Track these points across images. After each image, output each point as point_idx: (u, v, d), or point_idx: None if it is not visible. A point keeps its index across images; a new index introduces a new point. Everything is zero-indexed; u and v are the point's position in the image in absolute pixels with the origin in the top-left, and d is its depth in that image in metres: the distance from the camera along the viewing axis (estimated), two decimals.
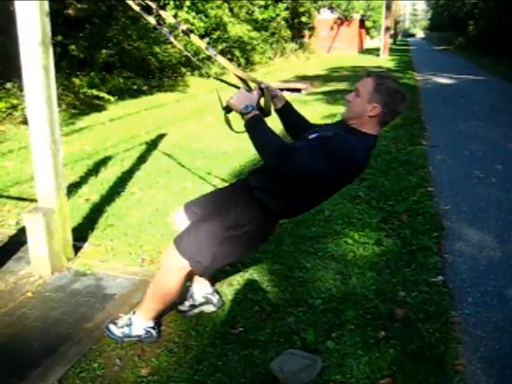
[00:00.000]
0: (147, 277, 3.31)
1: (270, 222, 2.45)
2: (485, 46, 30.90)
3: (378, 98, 2.21)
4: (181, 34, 13.67)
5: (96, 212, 4.44)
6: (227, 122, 2.39)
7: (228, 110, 2.33)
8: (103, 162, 5.98)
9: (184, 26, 2.72)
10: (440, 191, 5.26)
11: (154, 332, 2.59)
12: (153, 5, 2.86)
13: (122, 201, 4.75)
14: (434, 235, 4.08)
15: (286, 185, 2.30)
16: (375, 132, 2.30)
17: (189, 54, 3.29)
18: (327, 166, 2.09)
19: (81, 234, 3.95)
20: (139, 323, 2.57)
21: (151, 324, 2.58)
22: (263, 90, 2.36)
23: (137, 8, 2.85)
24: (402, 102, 2.26)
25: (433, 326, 2.81)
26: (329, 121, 8.86)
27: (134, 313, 2.63)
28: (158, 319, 2.68)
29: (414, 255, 3.70)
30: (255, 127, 2.17)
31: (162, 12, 2.83)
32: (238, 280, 3.29)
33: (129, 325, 2.58)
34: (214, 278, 3.08)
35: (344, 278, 3.33)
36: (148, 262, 3.58)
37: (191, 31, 2.68)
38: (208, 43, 14.56)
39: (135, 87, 11.37)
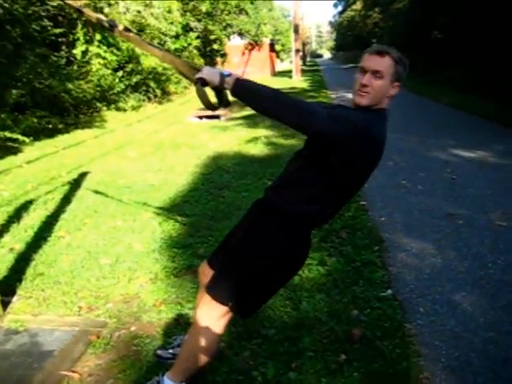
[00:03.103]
0: (87, 326, 3.10)
1: (302, 236, 2.18)
2: None
3: (399, 76, 2.08)
4: (94, 68, 13.41)
5: (23, 261, 4.13)
6: (201, 93, 2.02)
7: (202, 81, 2.00)
8: (25, 207, 5.63)
9: (120, 27, 2.32)
10: (373, 204, 5.33)
11: None
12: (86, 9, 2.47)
13: (50, 246, 4.46)
14: (375, 249, 4.11)
15: (315, 176, 2.07)
16: (386, 106, 2.14)
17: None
18: (347, 127, 1.90)
19: (8, 287, 3.65)
20: None
21: None
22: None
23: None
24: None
25: (391, 341, 2.79)
26: (252, 145, 8.91)
27: (163, 374, 2.30)
28: (191, 380, 2.31)
29: (359, 271, 3.69)
30: (249, 86, 1.95)
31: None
32: (183, 318, 3.14)
33: None
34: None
35: (294, 304, 3.26)
36: (86, 310, 3.35)
37: (129, 30, 2.34)
38: (122, 76, 14.37)
39: (50, 126, 10.90)
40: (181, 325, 3.08)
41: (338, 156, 1.98)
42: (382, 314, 3.09)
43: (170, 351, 2.69)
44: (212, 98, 2.06)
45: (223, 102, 2.13)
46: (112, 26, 2.23)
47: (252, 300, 2.21)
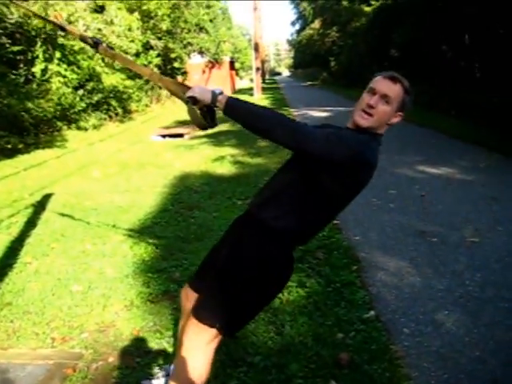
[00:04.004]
0: (62, 358, 2.95)
1: (287, 252, 2.12)
2: (348, 78, 33.03)
3: (404, 106, 2.07)
4: (54, 87, 13.12)
5: None
6: (193, 113, 1.98)
7: (193, 100, 1.95)
8: None
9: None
10: (345, 223, 5.31)
11: None
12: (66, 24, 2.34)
13: (17, 274, 4.26)
14: (353, 269, 4.08)
15: (302, 191, 2.01)
16: (383, 132, 2.13)
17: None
18: (341, 150, 1.87)
19: None
20: None
21: None
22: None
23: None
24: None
25: (380, 365, 2.75)
26: (219, 164, 8.83)
27: None
28: None
29: (340, 292, 3.65)
30: (241, 105, 1.92)
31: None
32: (164, 346, 3.02)
33: None
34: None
35: (277, 328, 3.18)
36: (60, 341, 3.18)
37: (111, 48, 2.23)
38: (83, 95, 14.14)
39: (10, 146, 10.57)
40: (161, 354, 2.96)
41: (329, 176, 1.95)
42: (368, 336, 3.05)
43: (154, 382, 2.58)
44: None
45: (214, 122, 2.05)
46: (96, 43, 2.15)
47: (238, 319, 2.14)
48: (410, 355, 2.90)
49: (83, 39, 2.20)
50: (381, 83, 2.04)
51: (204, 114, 2.01)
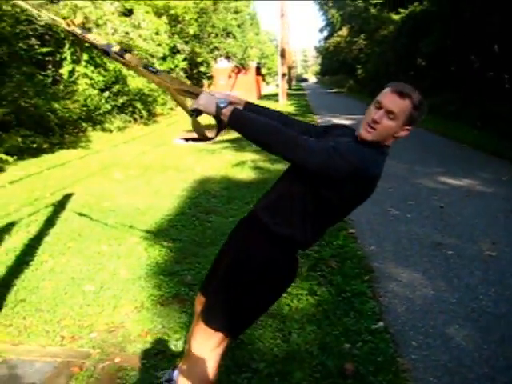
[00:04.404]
0: (70, 357, 2.99)
1: (289, 256, 2.12)
2: (374, 87, 32.81)
3: (413, 121, 2.01)
4: (80, 88, 13.32)
5: (3, 287, 4.00)
6: (197, 126, 2.05)
7: (197, 112, 1.99)
8: (6, 229, 5.49)
9: (116, 47, 2.22)
10: (361, 232, 5.29)
11: None
12: (78, 30, 2.26)
13: (32, 271, 4.33)
14: (365, 279, 4.06)
15: (302, 197, 2.01)
16: (390, 143, 2.10)
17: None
18: (343, 166, 1.85)
19: None
20: None
21: None
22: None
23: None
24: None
25: (385, 377, 2.72)
26: (239, 169, 8.86)
27: None
28: None
29: (350, 302, 3.63)
30: (244, 119, 1.94)
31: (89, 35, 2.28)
32: (170, 350, 3.04)
33: None
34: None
35: (284, 336, 3.18)
36: (69, 340, 3.23)
37: (126, 50, 2.23)
38: (109, 97, 14.30)
39: (35, 146, 10.75)
40: (167, 357, 2.98)
41: (329, 190, 1.95)
42: (375, 347, 3.02)
43: None
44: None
45: (220, 131, 2.07)
46: (106, 51, 2.17)
47: (240, 321, 2.14)
48: (416, 368, 2.87)
49: (94, 46, 2.23)
50: (388, 98, 1.99)
51: (216, 121, 2.03)
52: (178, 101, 2.15)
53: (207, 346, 2.07)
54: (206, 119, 2.00)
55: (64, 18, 2.34)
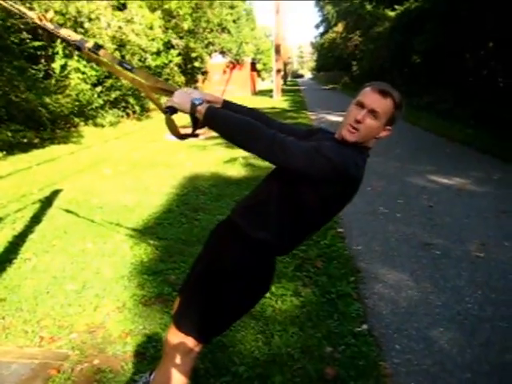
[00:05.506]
0: (48, 358, 2.94)
1: (265, 261, 2.07)
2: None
3: (394, 121, 1.99)
4: (73, 83, 13.23)
5: None
6: (170, 124, 2.01)
7: (172, 110, 1.96)
8: None
9: (90, 43, 2.17)
10: (349, 231, 5.25)
11: None
12: (50, 25, 2.23)
13: (15, 269, 4.27)
14: (351, 280, 4.02)
15: (283, 201, 1.96)
16: (371, 145, 2.05)
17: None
18: (323, 166, 1.80)
19: None
20: None
21: None
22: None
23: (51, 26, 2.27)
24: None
25: (366, 382, 2.70)
26: (230, 166, 8.80)
27: None
28: None
29: (334, 304, 3.59)
30: (220, 116, 1.89)
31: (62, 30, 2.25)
32: (150, 352, 2.99)
33: None
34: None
35: (266, 338, 3.14)
36: (48, 341, 3.18)
37: (99, 46, 2.18)
38: (101, 92, 14.19)
39: (25, 140, 10.67)
40: (147, 359, 2.94)
41: (310, 191, 1.90)
42: (357, 351, 2.98)
43: None
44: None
45: (196, 129, 2.02)
46: (79, 47, 2.12)
47: (213, 326, 2.09)
48: (398, 373, 2.83)
49: (66, 42, 2.18)
50: (370, 97, 1.95)
51: (192, 119, 1.99)
52: (152, 98, 2.11)
53: (179, 350, 2.03)
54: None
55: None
